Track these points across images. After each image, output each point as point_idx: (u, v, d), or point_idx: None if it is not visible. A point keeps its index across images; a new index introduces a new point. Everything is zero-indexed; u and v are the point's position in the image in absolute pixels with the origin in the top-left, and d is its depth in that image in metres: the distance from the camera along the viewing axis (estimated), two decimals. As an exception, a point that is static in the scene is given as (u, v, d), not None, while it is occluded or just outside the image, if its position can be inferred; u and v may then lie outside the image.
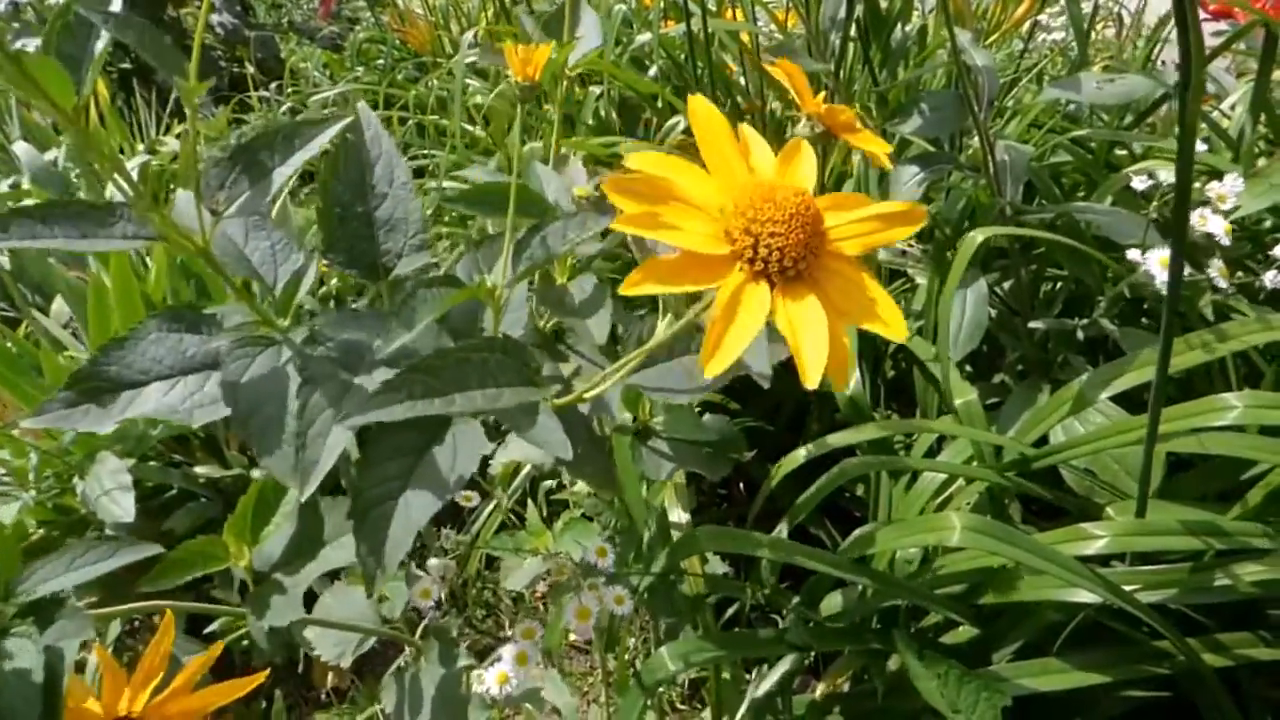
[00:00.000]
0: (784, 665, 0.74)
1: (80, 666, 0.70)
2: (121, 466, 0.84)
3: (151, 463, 1.01)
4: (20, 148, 1.34)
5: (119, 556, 0.47)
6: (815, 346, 0.32)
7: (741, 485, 1.17)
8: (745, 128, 0.38)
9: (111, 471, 0.84)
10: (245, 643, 0.96)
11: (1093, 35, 1.42)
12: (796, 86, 0.46)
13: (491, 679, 0.56)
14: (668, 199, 0.34)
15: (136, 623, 1.04)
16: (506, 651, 0.56)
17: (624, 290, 0.33)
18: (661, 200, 0.34)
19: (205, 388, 0.44)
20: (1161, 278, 0.67)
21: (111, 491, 0.82)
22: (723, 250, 0.33)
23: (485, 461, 1.07)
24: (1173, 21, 1.17)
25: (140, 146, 1.57)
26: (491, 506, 1.00)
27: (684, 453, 0.61)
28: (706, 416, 0.67)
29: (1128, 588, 0.60)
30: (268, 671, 0.50)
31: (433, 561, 0.63)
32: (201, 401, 0.43)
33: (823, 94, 0.44)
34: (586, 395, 0.40)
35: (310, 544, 0.55)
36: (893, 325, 0.34)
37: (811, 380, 0.31)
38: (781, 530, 0.79)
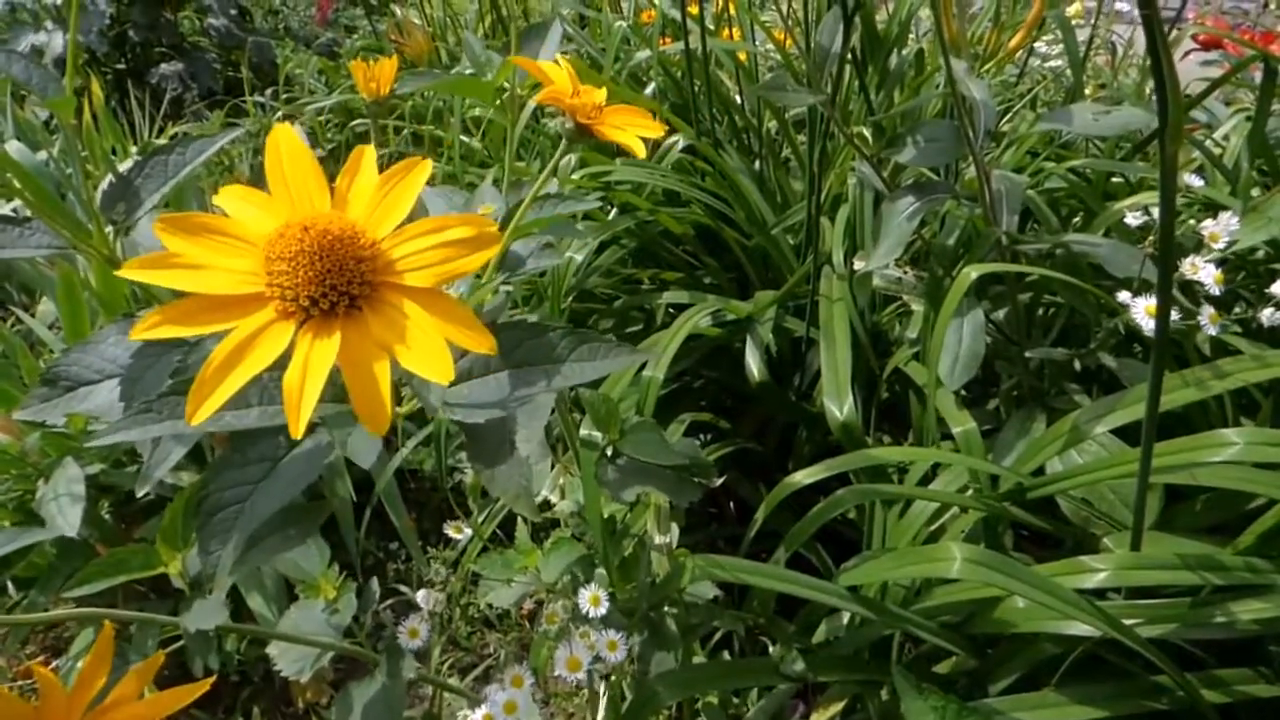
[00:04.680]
0: (774, 693, 0.73)
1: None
2: (79, 475, 0.82)
3: (128, 469, 0.99)
4: (13, 146, 1.33)
5: (19, 540, 0.47)
6: (310, 391, 0.30)
7: (731, 505, 1.16)
8: (363, 149, 0.36)
9: (69, 479, 0.82)
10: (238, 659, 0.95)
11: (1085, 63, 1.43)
12: (537, 77, 0.45)
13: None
14: (209, 234, 0.33)
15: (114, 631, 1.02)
16: (498, 697, 0.55)
17: (133, 335, 0.32)
18: (200, 235, 0.33)
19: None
20: (1148, 325, 0.67)
21: (61, 498, 0.80)
22: (253, 289, 0.32)
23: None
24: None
25: (134, 148, 1.55)
26: (481, 520, 0.98)
27: (650, 474, 0.60)
28: (677, 439, 0.65)
29: (1127, 621, 0.60)
30: (214, 679, 0.48)
31: (421, 594, 0.62)
32: (130, 401, 0.44)
33: (580, 87, 0.44)
34: (400, 411, 0.40)
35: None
36: (433, 366, 0.31)
37: (295, 429, 0.30)
38: (775, 556, 0.78)
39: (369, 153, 0.36)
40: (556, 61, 0.45)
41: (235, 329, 0.32)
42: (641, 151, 0.43)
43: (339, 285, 0.32)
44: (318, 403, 0.30)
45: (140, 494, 0.39)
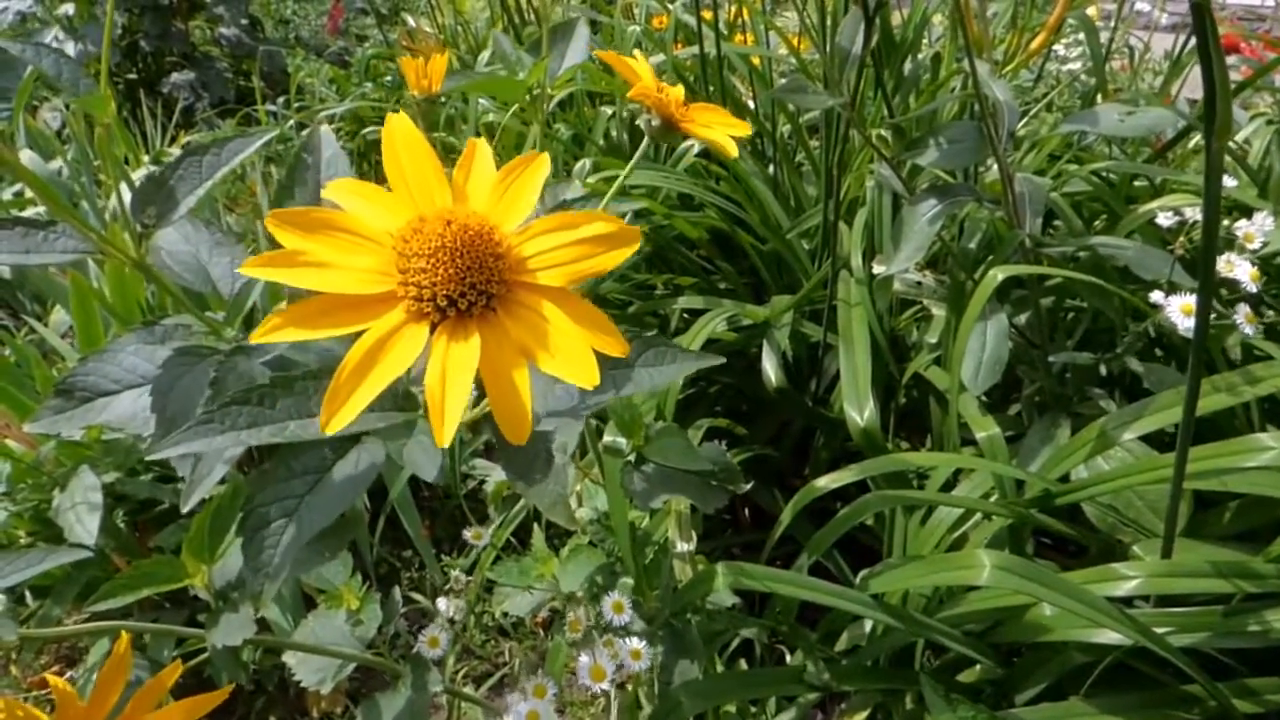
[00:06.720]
0: (796, 702, 0.72)
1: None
2: (95, 484, 0.81)
3: (142, 477, 0.99)
4: (26, 156, 1.33)
5: (45, 563, 0.47)
6: (455, 399, 0.28)
7: (747, 511, 1.15)
8: (477, 142, 0.34)
9: (86, 488, 0.81)
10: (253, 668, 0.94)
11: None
12: (624, 74, 0.43)
13: None
14: (329, 231, 0.31)
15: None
16: (520, 708, 0.54)
17: (254, 338, 0.30)
18: (319, 232, 0.31)
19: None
20: (1183, 324, 0.66)
21: (78, 507, 0.79)
22: (381, 288, 0.30)
23: (480, 481, 1.06)
24: (1181, 56, 1.17)
25: (146, 157, 1.56)
26: (495, 527, 0.98)
27: (676, 481, 0.59)
28: (703, 445, 0.65)
29: (1158, 630, 0.59)
30: (231, 687, 0.48)
31: (442, 602, 0.61)
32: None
33: (661, 85, 0.42)
34: (468, 419, 0.38)
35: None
36: (578, 371, 0.29)
37: (441, 437, 0.28)
38: (798, 563, 0.77)
39: (483, 146, 0.34)
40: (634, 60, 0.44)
41: (366, 332, 0.29)
42: (734, 150, 0.42)
43: (478, 284, 0.30)
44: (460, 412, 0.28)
45: (185, 510, 0.38)
